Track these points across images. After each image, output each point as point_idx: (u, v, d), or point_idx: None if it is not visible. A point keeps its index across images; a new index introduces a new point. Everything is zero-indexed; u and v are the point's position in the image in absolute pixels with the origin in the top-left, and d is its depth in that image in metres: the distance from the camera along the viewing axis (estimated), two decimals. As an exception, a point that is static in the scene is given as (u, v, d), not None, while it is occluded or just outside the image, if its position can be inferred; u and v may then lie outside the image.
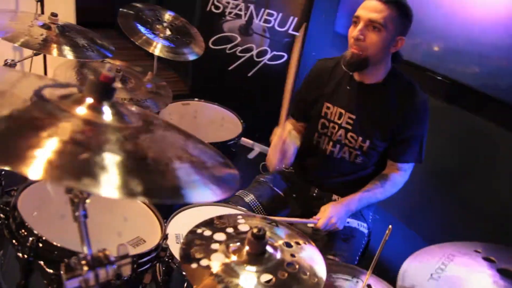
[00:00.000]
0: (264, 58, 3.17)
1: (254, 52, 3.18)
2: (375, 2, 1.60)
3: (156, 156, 0.74)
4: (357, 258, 1.80)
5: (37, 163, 0.59)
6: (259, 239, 0.97)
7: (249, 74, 3.24)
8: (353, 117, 1.78)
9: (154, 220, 1.35)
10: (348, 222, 1.85)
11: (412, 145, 1.76)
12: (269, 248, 1.01)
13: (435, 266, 1.01)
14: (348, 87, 1.80)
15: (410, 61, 2.64)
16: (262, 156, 3.33)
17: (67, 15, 2.75)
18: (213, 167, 0.79)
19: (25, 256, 1.03)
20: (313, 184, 1.96)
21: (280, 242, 1.06)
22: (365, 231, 1.90)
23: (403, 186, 1.85)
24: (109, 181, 0.62)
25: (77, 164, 0.63)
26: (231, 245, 1.00)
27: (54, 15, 1.80)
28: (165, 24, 2.41)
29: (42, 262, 1.03)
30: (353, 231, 1.85)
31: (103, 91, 0.72)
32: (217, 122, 2.60)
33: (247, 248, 0.98)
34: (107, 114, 0.75)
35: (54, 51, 1.74)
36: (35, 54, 2.00)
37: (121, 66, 2.15)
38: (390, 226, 1.03)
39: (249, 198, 1.92)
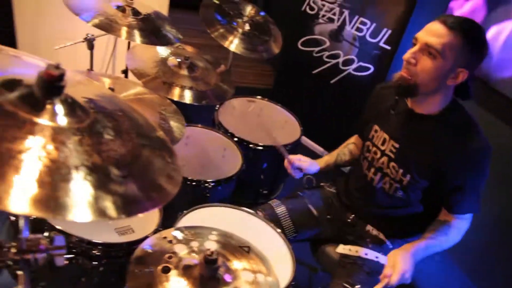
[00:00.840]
0: (350, 68, 3.01)
1: (341, 60, 3.04)
2: (438, 26, 1.41)
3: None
4: None
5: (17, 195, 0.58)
6: (209, 263, 0.93)
7: (332, 81, 3.12)
8: (397, 145, 1.61)
9: (156, 213, 1.38)
10: (377, 257, 1.70)
11: (470, 196, 1.55)
12: (222, 273, 0.96)
13: None
14: (392, 112, 1.64)
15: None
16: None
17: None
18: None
19: (15, 219, 1.12)
20: (350, 209, 1.84)
21: (240, 268, 1.01)
22: (395, 271, 1.72)
23: (471, 235, 1.64)
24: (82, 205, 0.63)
25: (55, 192, 0.62)
26: (184, 260, 0.98)
27: (130, -2, 1.91)
28: (245, 19, 2.42)
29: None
30: (379, 268, 1.68)
31: (50, 89, 0.73)
32: (279, 124, 2.55)
33: (198, 268, 0.95)
34: (59, 117, 0.74)
35: (123, 34, 1.85)
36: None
37: (190, 54, 2.21)
38: None
39: (280, 209, 1.86)
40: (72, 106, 0.77)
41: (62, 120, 0.74)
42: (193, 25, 2.63)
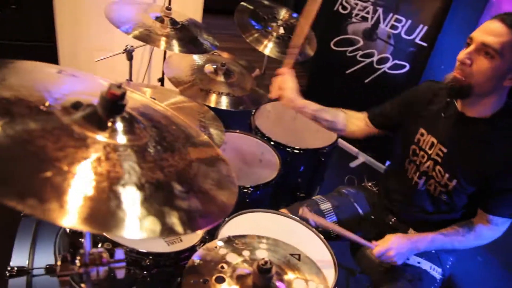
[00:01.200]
0: (385, 66, 2.97)
1: (375, 59, 3.01)
2: (497, 24, 1.34)
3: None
4: None
5: (72, 209, 0.59)
6: (263, 273, 0.94)
7: (366, 81, 3.09)
8: (445, 150, 1.57)
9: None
10: (419, 263, 1.67)
11: (510, 199, 1.50)
12: (275, 282, 0.97)
13: None
14: (443, 114, 1.59)
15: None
16: (365, 166, 3.18)
17: (196, 2, 2.93)
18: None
19: (71, 232, 1.15)
20: (392, 212, 1.81)
21: (292, 277, 1.01)
22: (438, 276, 1.69)
23: None
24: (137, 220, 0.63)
25: (123, 210, 0.63)
26: (237, 270, 0.99)
27: (168, 8, 1.94)
28: (279, 23, 2.42)
29: (83, 240, 1.15)
30: (422, 274, 1.66)
31: (112, 108, 0.75)
32: (315, 126, 2.51)
33: (251, 278, 0.96)
34: (121, 135, 0.76)
35: (162, 44, 1.88)
36: (149, 43, 2.17)
37: (226, 60, 2.23)
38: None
39: (326, 206, 1.85)
40: (131, 123, 0.79)
41: (123, 137, 0.76)
42: (226, 29, 2.66)
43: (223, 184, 0.84)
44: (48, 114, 0.71)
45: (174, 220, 0.65)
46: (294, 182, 2.38)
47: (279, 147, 2.22)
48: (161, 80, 2.67)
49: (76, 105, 0.75)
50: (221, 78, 2.15)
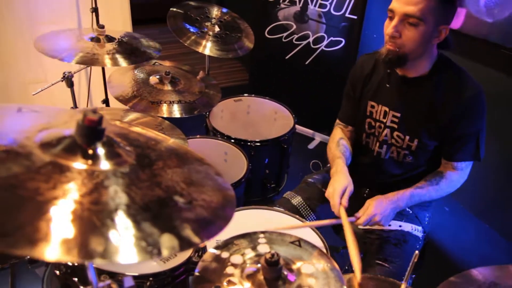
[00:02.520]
0: (321, 45, 3.04)
1: (311, 39, 3.07)
2: None
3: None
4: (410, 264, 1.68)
5: (55, 242, 0.55)
6: (272, 265, 0.94)
7: (306, 63, 3.15)
8: (398, 115, 1.65)
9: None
10: (400, 226, 1.74)
11: (468, 143, 1.59)
12: (285, 272, 0.97)
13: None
14: (387, 85, 1.66)
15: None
16: (323, 145, 3.25)
17: (123, 16, 2.85)
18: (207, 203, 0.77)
19: (61, 273, 1.10)
20: (364, 184, 1.86)
21: (299, 264, 1.02)
22: (420, 234, 1.77)
23: (476, 177, 1.68)
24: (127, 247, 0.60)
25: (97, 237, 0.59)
26: (246, 269, 0.98)
27: (101, 27, 1.87)
28: (213, 21, 2.41)
29: (76, 279, 1.10)
30: (405, 236, 1.73)
31: (92, 135, 0.72)
32: (270, 116, 2.57)
33: (261, 273, 0.96)
34: (106, 160, 0.73)
35: (108, 62, 1.84)
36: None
37: (169, 68, 2.19)
38: (416, 252, 0.94)
39: (297, 200, 1.86)
40: (113, 147, 0.76)
41: (110, 162, 0.73)
42: (159, 38, 2.60)
43: (216, 185, 0.83)
44: (27, 154, 0.67)
45: (188, 232, 0.64)
46: (263, 175, 2.40)
47: (240, 144, 2.22)
48: (106, 101, 2.58)
49: (52, 140, 0.71)
50: (168, 87, 2.11)
